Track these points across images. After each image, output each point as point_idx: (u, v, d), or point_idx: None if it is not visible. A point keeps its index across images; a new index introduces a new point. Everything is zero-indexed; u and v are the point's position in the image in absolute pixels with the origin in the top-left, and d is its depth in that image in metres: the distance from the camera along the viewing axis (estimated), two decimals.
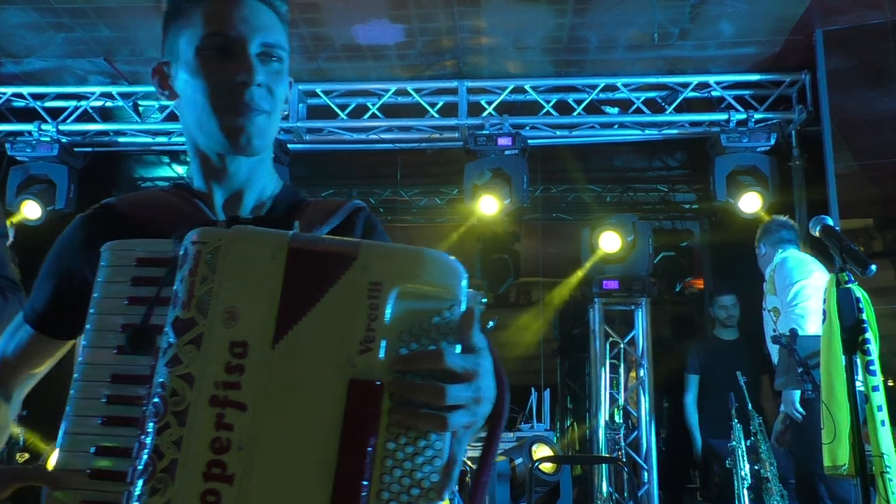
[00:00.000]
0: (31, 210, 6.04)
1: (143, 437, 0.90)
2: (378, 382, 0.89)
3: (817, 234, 2.80)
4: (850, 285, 2.62)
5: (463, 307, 0.93)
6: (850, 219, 5.45)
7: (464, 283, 0.94)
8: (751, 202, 5.86)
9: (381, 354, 0.90)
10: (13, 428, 5.22)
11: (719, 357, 5.87)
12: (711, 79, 6.21)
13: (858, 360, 2.59)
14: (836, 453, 2.79)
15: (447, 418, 0.90)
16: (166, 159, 8.04)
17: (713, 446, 5.50)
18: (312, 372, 0.90)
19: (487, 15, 5.46)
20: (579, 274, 6.49)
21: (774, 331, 4.24)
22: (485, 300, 0.95)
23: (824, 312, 2.86)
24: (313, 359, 0.91)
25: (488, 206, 6.01)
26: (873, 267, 2.55)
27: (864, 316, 2.61)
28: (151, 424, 0.89)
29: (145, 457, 0.88)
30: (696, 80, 6.20)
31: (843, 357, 2.59)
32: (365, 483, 0.88)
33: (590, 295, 6.28)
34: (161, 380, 0.90)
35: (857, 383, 2.61)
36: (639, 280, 6.12)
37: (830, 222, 2.80)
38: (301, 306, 0.91)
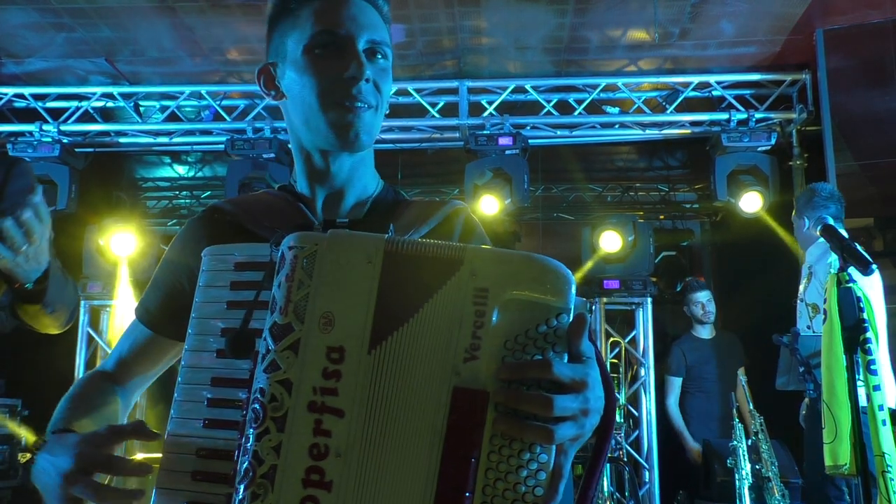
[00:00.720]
0: None
1: (243, 441, 0.90)
2: (483, 391, 0.88)
3: (818, 233, 2.80)
4: (851, 285, 2.62)
5: (571, 315, 0.91)
6: (851, 218, 5.42)
7: (573, 289, 0.92)
8: (751, 202, 5.86)
9: (487, 363, 0.89)
10: (16, 428, 5.22)
11: (701, 357, 5.84)
12: (712, 78, 6.21)
13: (860, 360, 2.59)
14: (838, 453, 2.79)
15: (554, 430, 0.87)
16: (167, 159, 8.04)
17: (714, 445, 5.50)
18: (414, 379, 0.89)
19: (488, 15, 5.46)
20: (580, 274, 6.48)
21: (808, 327, 4.01)
22: (593, 307, 0.94)
23: (825, 312, 2.87)
24: (415, 366, 0.90)
25: (489, 205, 6.00)
26: (874, 267, 2.55)
27: (865, 315, 2.61)
28: (251, 430, 0.89)
29: (246, 462, 0.89)
30: (696, 79, 6.21)
31: (844, 356, 2.59)
32: (468, 495, 0.86)
33: (591, 294, 6.28)
34: (260, 385, 0.90)
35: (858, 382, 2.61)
36: (640, 280, 6.12)
37: (831, 222, 2.80)
38: (400, 312, 0.91)
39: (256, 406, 0.90)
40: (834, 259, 3.94)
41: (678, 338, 6.14)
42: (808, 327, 4.03)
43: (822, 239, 4.02)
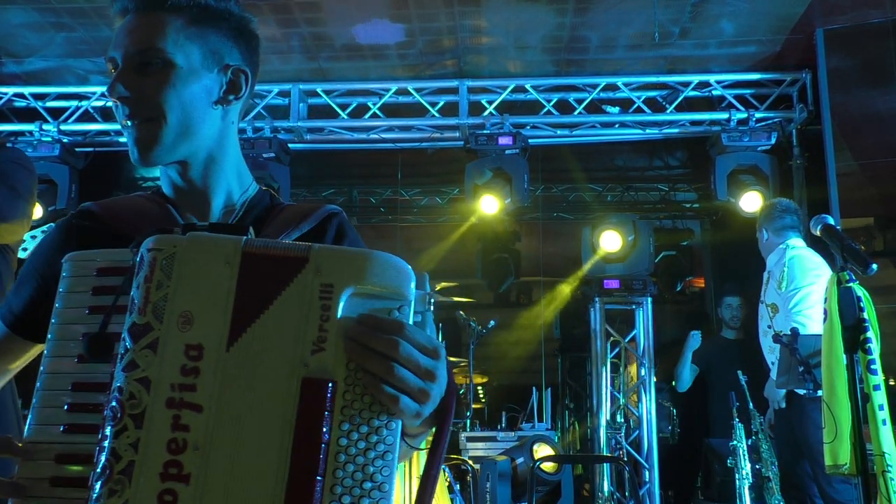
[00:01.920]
0: None
1: (101, 441, 0.91)
2: (331, 380, 0.92)
3: (818, 233, 2.80)
4: (851, 284, 2.62)
5: (412, 307, 0.96)
6: (851, 218, 5.44)
7: (412, 284, 0.97)
8: (752, 201, 5.86)
9: (334, 353, 0.93)
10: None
11: (723, 356, 5.88)
12: (712, 78, 6.21)
13: (859, 359, 2.59)
14: (838, 452, 2.79)
15: (399, 396, 0.92)
16: None
17: (714, 445, 5.50)
18: (266, 373, 0.92)
19: (488, 14, 5.46)
20: (580, 273, 6.49)
21: (769, 327, 4.20)
22: (433, 300, 0.99)
23: (825, 311, 2.86)
24: (267, 360, 0.93)
25: (489, 205, 6.01)
26: (874, 266, 2.55)
27: (866, 315, 2.61)
28: (109, 428, 0.90)
29: (103, 460, 0.89)
30: (696, 79, 6.21)
31: (845, 356, 2.59)
32: (319, 478, 0.90)
33: (591, 294, 6.28)
34: (118, 384, 0.91)
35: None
36: (640, 279, 6.12)
37: (831, 221, 2.80)
38: (255, 309, 0.94)
39: (114, 404, 0.90)
40: (792, 260, 4.15)
41: (710, 336, 6.21)
42: (770, 327, 4.20)
43: (781, 246, 4.19)
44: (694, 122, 6.28)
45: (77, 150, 6.47)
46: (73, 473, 0.97)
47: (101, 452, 0.90)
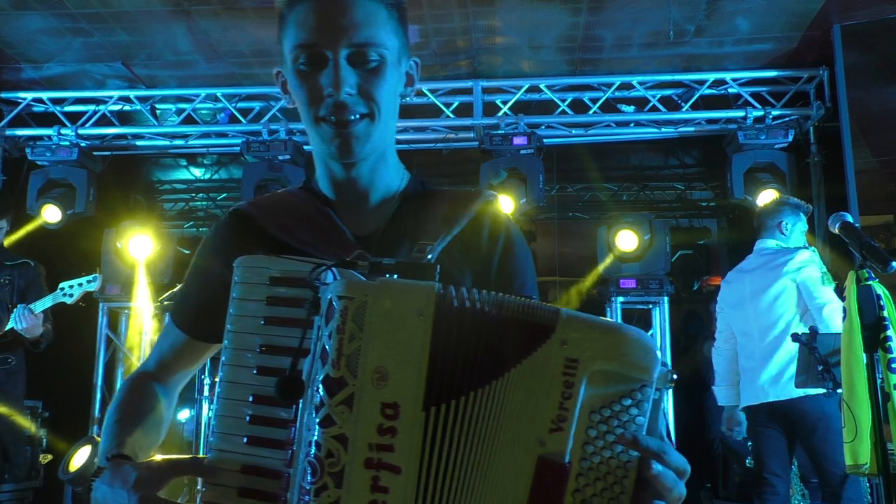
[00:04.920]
0: (51, 214, 6.10)
1: (302, 495, 0.91)
2: (567, 465, 0.89)
3: (837, 230, 2.77)
4: (870, 282, 2.59)
5: (654, 386, 0.92)
6: (870, 215, 5.40)
7: (659, 362, 0.92)
8: (769, 199, 5.81)
9: (572, 434, 0.89)
10: (34, 429, 5.27)
11: None
12: (728, 76, 6.17)
13: (880, 358, 2.57)
14: (858, 452, 2.77)
15: None
16: (184, 162, 8.10)
17: (732, 445, 5.47)
18: (489, 444, 0.89)
19: (502, 14, 5.46)
20: (596, 273, 6.46)
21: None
22: (675, 377, 0.95)
23: (844, 310, 2.84)
24: (491, 430, 0.89)
25: (504, 205, 5.99)
26: (894, 263, 2.52)
27: (886, 313, 2.59)
28: (308, 483, 0.90)
29: None
30: (712, 77, 6.17)
31: (864, 355, 2.57)
32: None
33: (607, 294, 6.26)
34: (315, 438, 0.90)
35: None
36: (656, 278, 6.09)
37: (850, 219, 2.77)
38: (470, 371, 0.90)
39: (313, 460, 0.90)
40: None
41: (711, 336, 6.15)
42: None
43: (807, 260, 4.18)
44: (710, 121, 6.24)
45: (95, 153, 6.52)
46: (260, 486, 0.98)
47: None
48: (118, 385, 6.34)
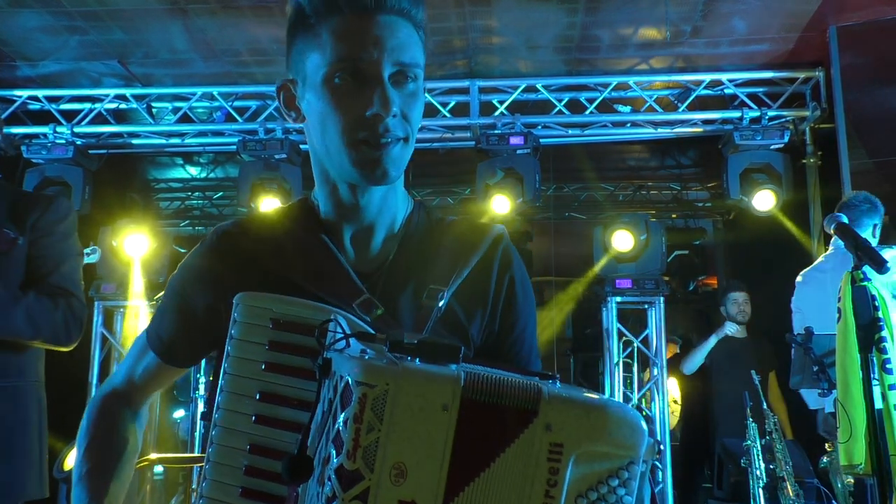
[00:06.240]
0: None
1: None
2: None
3: (832, 231, 2.78)
4: (865, 283, 2.60)
5: (641, 465, 0.90)
6: None
7: (646, 439, 0.90)
8: (764, 200, 5.83)
9: None
10: None
11: (729, 355, 5.84)
12: (724, 76, 6.18)
13: (875, 359, 2.57)
14: (853, 452, 2.77)
15: None
16: (179, 161, 8.09)
17: (727, 445, 5.47)
18: None
19: (498, 14, 5.46)
20: (592, 273, 6.46)
21: None
22: (661, 448, 0.94)
23: (839, 311, 2.85)
24: None
25: (500, 205, 6.00)
26: (889, 265, 2.53)
27: (880, 314, 2.59)
28: None
29: None
30: (708, 77, 6.18)
31: (859, 355, 2.57)
32: None
33: (603, 294, 6.26)
34: None
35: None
36: (652, 279, 6.09)
37: (846, 220, 2.78)
38: (473, 466, 0.87)
39: None
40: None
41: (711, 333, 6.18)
42: None
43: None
44: (706, 121, 6.25)
45: (90, 152, 6.50)
46: None
47: None
48: None
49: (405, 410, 0.86)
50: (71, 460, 5.18)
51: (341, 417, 0.87)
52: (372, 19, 1.11)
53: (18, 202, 2.32)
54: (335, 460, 0.86)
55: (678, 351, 6.79)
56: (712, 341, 5.88)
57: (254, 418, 1.00)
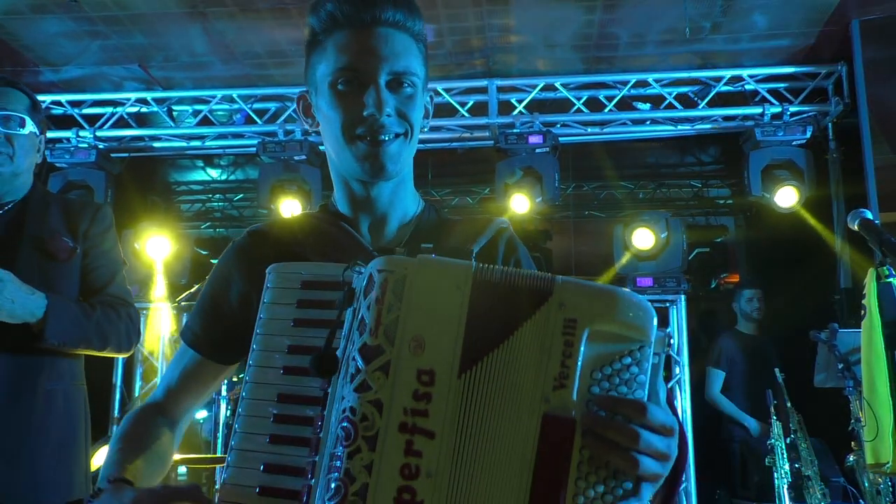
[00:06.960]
0: None
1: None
2: (572, 419, 0.91)
3: (856, 227, 2.74)
4: (890, 279, 2.57)
5: (652, 348, 0.94)
6: (890, 212, 5.33)
7: (655, 323, 0.95)
8: (787, 196, 5.78)
9: (575, 391, 0.92)
10: None
11: (744, 352, 5.82)
12: (745, 72, 6.13)
13: None
14: (879, 451, 2.74)
15: (639, 459, 0.91)
16: (200, 163, 8.15)
17: (751, 444, 5.43)
18: (503, 405, 0.92)
19: (516, 13, 5.45)
20: (612, 271, 6.43)
21: None
22: (672, 341, 0.96)
23: (864, 307, 2.82)
24: (504, 392, 0.92)
25: (520, 204, 5.99)
26: None
27: None
28: (341, 448, 0.91)
29: (335, 480, 0.90)
30: (729, 73, 6.13)
31: (885, 353, 2.54)
32: None
33: None
34: (350, 404, 0.92)
35: None
36: (673, 277, 6.06)
37: (869, 216, 2.74)
38: (489, 338, 0.93)
39: (346, 424, 0.91)
40: None
41: (723, 331, 6.12)
42: None
43: None
44: (727, 118, 6.20)
45: (112, 155, 6.57)
46: (281, 484, 0.99)
47: (333, 471, 0.91)
48: (137, 386, 6.39)
49: (422, 291, 0.94)
50: (97, 461, 5.23)
51: (364, 303, 0.95)
52: (370, 32, 1.26)
53: (70, 210, 2.37)
54: (359, 340, 0.94)
55: None
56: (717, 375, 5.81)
57: (282, 371, 1.04)
